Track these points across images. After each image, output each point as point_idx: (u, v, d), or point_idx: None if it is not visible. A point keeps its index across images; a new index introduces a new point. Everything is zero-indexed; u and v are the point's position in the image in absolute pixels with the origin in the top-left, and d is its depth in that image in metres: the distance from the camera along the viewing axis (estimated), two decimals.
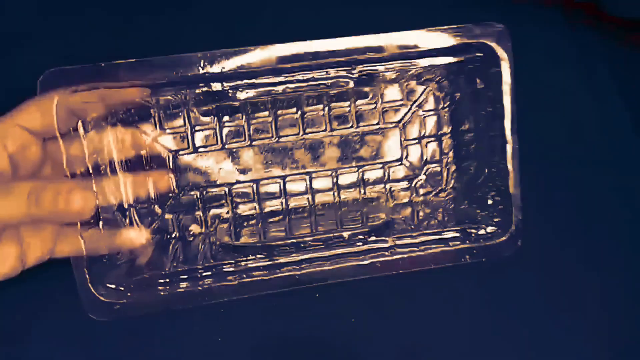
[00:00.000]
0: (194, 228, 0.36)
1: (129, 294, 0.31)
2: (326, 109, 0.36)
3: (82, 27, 0.36)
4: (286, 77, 0.31)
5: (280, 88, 0.32)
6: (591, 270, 0.40)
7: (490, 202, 0.35)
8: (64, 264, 0.30)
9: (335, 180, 0.37)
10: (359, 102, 0.36)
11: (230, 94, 0.32)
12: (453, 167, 0.38)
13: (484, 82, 0.33)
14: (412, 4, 0.37)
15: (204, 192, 0.36)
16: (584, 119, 0.40)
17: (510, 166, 0.33)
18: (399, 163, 0.38)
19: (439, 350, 0.38)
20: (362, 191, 0.38)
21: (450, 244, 0.33)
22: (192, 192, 0.36)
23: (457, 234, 0.34)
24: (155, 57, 0.29)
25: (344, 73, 0.32)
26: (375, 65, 0.32)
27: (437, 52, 0.32)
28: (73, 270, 0.30)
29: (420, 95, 0.37)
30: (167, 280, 0.32)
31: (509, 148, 0.33)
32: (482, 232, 0.34)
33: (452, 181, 0.38)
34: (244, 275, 0.32)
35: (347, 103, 0.36)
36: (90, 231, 0.29)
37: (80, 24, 0.36)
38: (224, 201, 0.36)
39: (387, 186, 0.38)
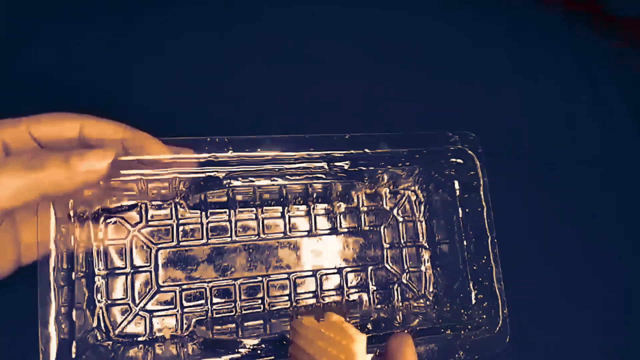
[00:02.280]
0: (166, 332, 0.34)
1: None
2: (310, 210, 0.37)
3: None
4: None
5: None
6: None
7: (474, 300, 0.35)
8: None
9: (318, 282, 0.37)
10: (341, 204, 0.38)
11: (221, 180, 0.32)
12: (433, 275, 0.39)
13: (460, 187, 0.36)
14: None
15: (183, 288, 0.34)
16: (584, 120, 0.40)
17: (492, 262, 0.34)
18: (380, 266, 0.38)
19: None
20: (345, 294, 0.37)
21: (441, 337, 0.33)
22: (171, 288, 0.34)
23: (446, 332, 0.34)
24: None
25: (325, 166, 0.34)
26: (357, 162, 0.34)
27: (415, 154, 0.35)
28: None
29: (399, 201, 0.39)
30: None
31: (489, 245, 0.34)
32: (469, 331, 0.34)
33: (431, 286, 0.39)
34: None
35: (329, 205, 0.38)
36: None
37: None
38: (202, 301, 0.34)
39: (371, 288, 0.38)
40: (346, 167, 0.33)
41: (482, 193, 0.35)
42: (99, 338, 0.32)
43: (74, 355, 0.28)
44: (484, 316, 0.34)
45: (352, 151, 0.33)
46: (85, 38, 0.37)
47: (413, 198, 0.39)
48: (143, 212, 0.34)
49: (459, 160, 0.35)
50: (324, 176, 0.34)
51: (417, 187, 0.39)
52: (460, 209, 0.36)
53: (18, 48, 0.36)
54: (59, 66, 0.37)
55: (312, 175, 0.34)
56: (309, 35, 0.41)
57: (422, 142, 0.34)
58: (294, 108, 0.40)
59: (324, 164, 0.33)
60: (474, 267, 0.35)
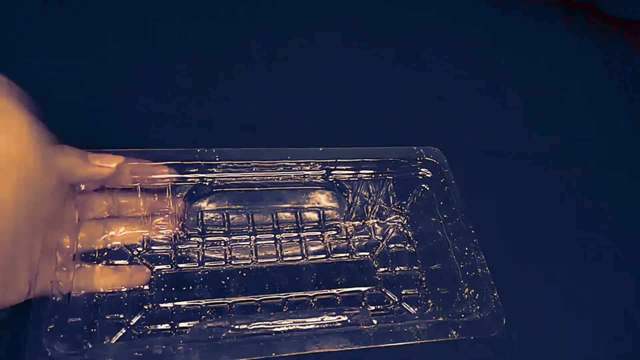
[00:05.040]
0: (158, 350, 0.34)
1: None
2: (301, 238, 0.40)
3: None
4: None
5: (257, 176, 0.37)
6: None
7: (465, 296, 0.35)
8: None
9: (313, 305, 0.37)
10: (330, 234, 0.41)
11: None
12: (428, 290, 0.39)
13: (438, 198, 0.39)
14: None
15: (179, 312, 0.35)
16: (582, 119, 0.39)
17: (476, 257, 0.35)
18: (375, 291, 0.39)
19: None
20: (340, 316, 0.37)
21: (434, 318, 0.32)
22: (164, 306, 0.35)
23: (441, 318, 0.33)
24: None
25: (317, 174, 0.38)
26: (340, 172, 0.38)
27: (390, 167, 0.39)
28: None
29: (386, 231, 0.41)
30: None
31: (471, 241, 0.36)
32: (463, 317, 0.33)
33: (430, 302, 0.38)
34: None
35: (319, 234, 0.40)
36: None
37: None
38: (197, 321, 0.35)
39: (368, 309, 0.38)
40: (321, 177, 0.37)
41: (454, 198, 0.38)
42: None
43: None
44: (478, 307, 0.34)
45: (326, 160, 0.37)
46: None
47: (399, 227, 0.42)
48: (145, 241, 0.37)
49: (428, 173, 0.39)
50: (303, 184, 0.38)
51: (402, 212, 0.41)
52: (439, 216, 0.38)
53: None
54: None
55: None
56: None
57: (390, 155, 0.39)
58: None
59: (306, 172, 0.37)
60: (461, 265, 0.36)
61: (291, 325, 0.32)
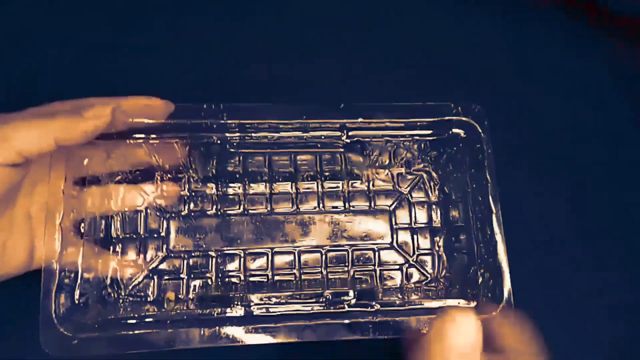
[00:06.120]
0: (170, 295, 0.35)
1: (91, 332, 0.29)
2: (319, 187, 0.38)
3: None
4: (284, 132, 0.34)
5: (276, 135, 0.34)
6: None
7: (480, 279, 0.34)
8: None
9: (324, 257, 0.37)
10: (352, 182, 0.38)
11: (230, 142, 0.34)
12: (444, 257, 0.38)
13: (469, 160, 0.35)
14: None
15: (191, 257, 0.36)
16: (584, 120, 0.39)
17: (497, 237, 0.33)
18: (390, 247, 0.38)
19: None
20: (351, 272, 0.37)
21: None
22: (179, 256, 0.36)
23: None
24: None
25: (336, 135, 0.34)
26: (364, 132, 0.35)
27: (420, 127, 0.35)
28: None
29: (410, 183, 0.39)
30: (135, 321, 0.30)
31: (494, 219, 0.33)
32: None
33: (444, 271, 0.37)
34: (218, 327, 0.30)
35: (340, 183, 0.38)
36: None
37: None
38: (209, 272, 0.36)
39: (377, 269, 0.37)
40: (345, 138, 0.34)
41: (487, 167, 0.34)
42: (110, 293, 0.34)
43: (78, 302, 0.30)
44: (489, 294, 0.33)
45: (348, 120, 0.33)
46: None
47: (426, 178, 0.39)
48: (158, 182, 0.36)
49: (462, 134, 0.35)
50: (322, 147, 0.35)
51: (430, 168, 0.38)
52: (468, 184, 0.35)
53: None
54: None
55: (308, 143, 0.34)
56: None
57: (423, 114, 0.34)
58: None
59: (323, 133, 0.34)
60: (481, 245, 0.34)
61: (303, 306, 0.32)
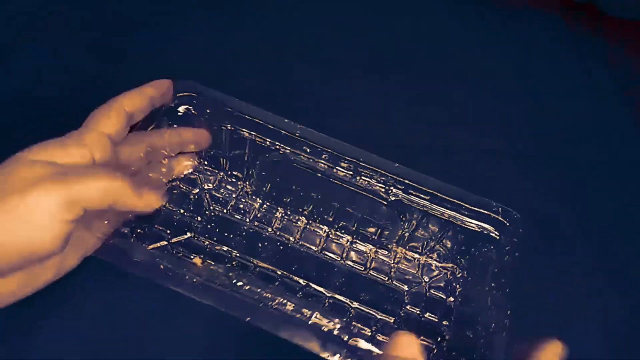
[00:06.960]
0: (197, 260, 0.37)
1: None
2: (348, 241, 0.40)
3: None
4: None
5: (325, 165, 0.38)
6: None
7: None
8: None
9: (324, 304, 0.37)
10: (379, 252, 0.40)
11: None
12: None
13: (496, 263, 0.36)
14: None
15: (211, 245, 0.38)
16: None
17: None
18: (392, 323, 0.37)
19: None
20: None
21: None
22: (203, 239, 0.38)
23: None
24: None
25: (382, 188, 0.37)
26: (408, 195, 0.37)
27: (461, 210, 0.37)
28: None
29: (434, 275, 0.39)
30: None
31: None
32: None
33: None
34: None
35: (368, 247, 0.40)
36: None
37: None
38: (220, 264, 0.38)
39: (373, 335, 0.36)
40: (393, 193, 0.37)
41: (508, 272, 0.34)
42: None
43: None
44: None
45: (397, 177, 0.37)
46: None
47: (449, 276, 0.39)
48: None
49: (496, 235, 0.36)
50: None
51: (457, 269, 0.39)
52: (487, 291, 0.35)
53: None
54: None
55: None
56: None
57: (468, 200, 0.36)
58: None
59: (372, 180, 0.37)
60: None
61: (284, 305, 0.33)
